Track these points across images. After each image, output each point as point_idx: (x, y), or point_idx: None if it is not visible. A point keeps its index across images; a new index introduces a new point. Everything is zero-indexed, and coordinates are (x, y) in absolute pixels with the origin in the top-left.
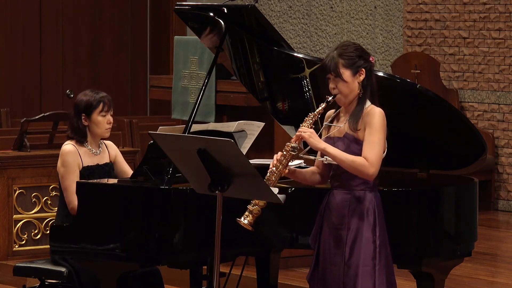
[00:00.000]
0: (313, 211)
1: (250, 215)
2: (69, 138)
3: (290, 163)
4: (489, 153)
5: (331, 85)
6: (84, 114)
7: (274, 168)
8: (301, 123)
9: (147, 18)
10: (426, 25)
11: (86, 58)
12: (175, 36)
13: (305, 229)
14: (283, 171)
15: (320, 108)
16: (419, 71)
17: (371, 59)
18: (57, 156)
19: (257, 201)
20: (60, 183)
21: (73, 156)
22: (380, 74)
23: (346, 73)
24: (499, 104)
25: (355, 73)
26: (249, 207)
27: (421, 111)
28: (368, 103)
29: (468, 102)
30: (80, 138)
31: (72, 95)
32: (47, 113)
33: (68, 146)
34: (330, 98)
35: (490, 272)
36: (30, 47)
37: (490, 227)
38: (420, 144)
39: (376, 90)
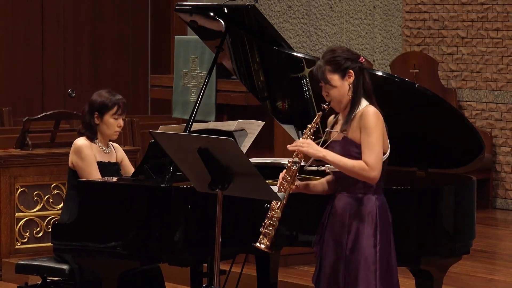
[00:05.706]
0: (313, 209)
1: (265, 238)
2: (80, 134)
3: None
4: (487, 151)
5: (323, 93)
6: (97, 113)
7: (280, 187)
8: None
9: (148, 17)
10: (425, 25)
11: (87, 58)
12: (175, 36)
13: (304, 227)
14: (290, 188)
15: (317, 117)
16: (417, 71)
17: (360, 59)
18: (58, 154)
19: (268, 222)
20: (80, 177)
21: (89, 149)
22: (379, 73)
23: (334, 78)
24: (497, 103)
25: (343, 76)
26: (262, 230)
27: (420, 111)
28: (364, 103)
29: (466, 101)
30: (91, 135)
31: (73, 94)
32: (49, 112)
33: (81, 140)
34: (325, 106)
35: (488, 269)
36: (32, 46)
37: (488, 225)
38: (418, 143)
39: (371, 88)
